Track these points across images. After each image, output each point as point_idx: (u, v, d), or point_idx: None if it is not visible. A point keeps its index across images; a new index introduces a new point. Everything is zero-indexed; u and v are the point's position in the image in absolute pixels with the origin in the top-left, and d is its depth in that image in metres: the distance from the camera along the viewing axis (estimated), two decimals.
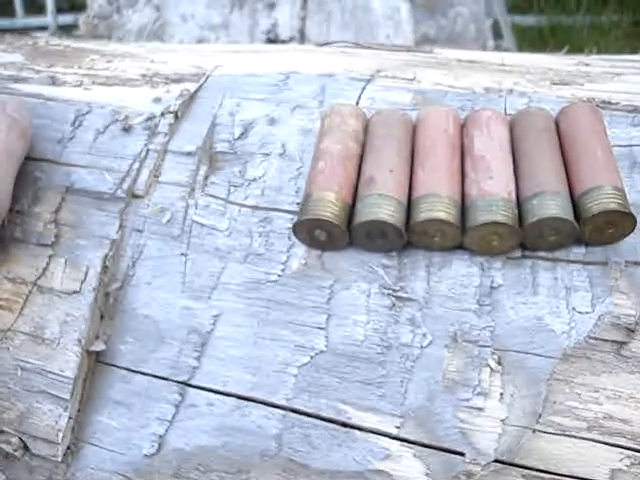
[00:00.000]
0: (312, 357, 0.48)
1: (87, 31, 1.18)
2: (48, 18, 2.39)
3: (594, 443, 0.44)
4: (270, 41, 1.18)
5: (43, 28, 2.40)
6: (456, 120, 0.54)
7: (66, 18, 2.36)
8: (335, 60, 0.66)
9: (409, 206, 0.50)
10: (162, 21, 1.16)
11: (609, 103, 0.58)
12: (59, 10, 2.42)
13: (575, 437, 0.44)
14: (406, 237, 0.49)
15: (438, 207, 0.48)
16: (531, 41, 2.12)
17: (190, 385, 0.49)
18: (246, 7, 1.27)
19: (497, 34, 1.55)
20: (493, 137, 0.52)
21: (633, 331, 0.46)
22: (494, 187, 0.49)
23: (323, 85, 0.61)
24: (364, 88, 0.60)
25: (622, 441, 0.44)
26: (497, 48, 1.45)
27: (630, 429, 0.44)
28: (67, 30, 2.10)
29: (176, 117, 0.59)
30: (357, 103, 0.59)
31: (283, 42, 1.17)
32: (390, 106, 0.58)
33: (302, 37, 1.21)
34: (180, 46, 0.90)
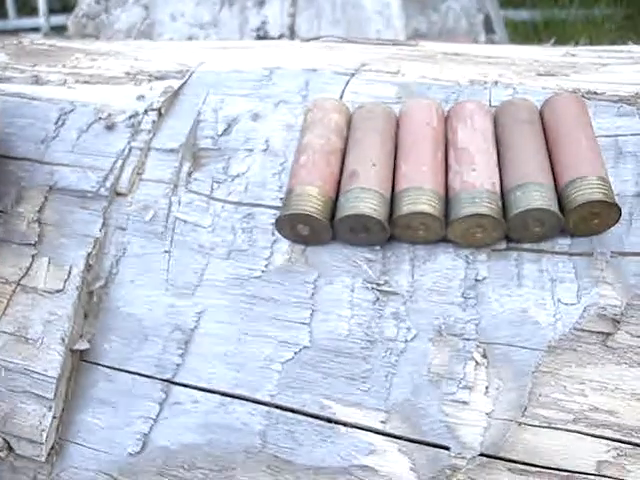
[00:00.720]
0: (296, 353, 0.48)
1: (76, 31, 1.17)
2: (40, 19, 2.39)
3: (580, 435, 0.44)
4: (260, 38, 1.18)
5: (35, 29, 2.40)
6: (439, 113, 0.54)
7: (59, 19, 2.35)
8: (320, 55, 0.65)
9: (393, 200, 0.50)
10: (151, 20, 1.15)
11: (595, 93, 0.58)
12: (51, 11, 2.41)
13: (561, 429, 0.44)
14: (389, 231, 0.49)
15: (421, 200, 0.48)
16: (524, 35, 2.11)
17: (174, 383, 0.49)
18: (236, 5, 1.26)
19: (489, 29, 1.54)
20: (476, 129, 0.52)
21: (619, 322, 0.46)
22: (477, 179, 0.49)
23: (307, 80, 0.60)
24: (348, 82, 0.60)
25: (608, 432, 0.43)
26: (489, 43, 1.44)
27: (616, 420, 0.44)
28: (60, 31, 2.09)
29: (159, 114, 0.59)
30: (341, 97, 0.59)
31: (273, 39, 1.17)
32: (374, 100, 0.58)
33: (292, 34, 1.21)
34: (165, 43, 0.89)
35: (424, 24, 1.44)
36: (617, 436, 0.43)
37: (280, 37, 1.18)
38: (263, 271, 0.51)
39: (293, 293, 0.50)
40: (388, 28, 1.32)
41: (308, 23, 1.24)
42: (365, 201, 0.48)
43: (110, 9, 1.20)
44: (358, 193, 0.49)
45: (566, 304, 0.47)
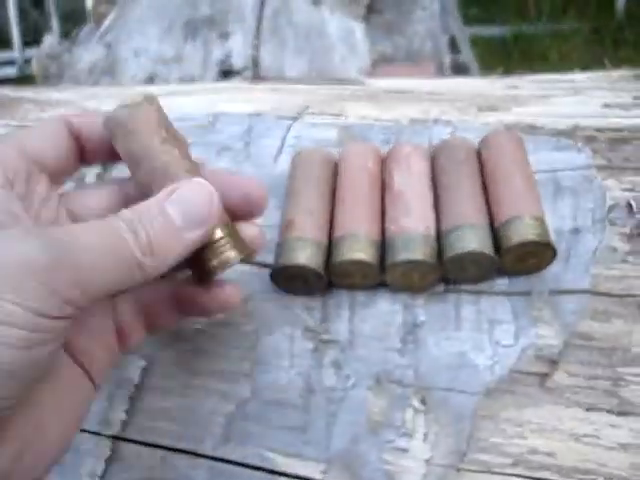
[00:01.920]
0: (238, 405, 0.48)
1: (39, 70, 1.18)
2: (15, 53, 2.40)
3: (520, 479, 0.44)
4: (224, 72, 1.19)
5: (10, 62, 2.41)
6: (377, 156, 0.54)
7: (33, 52, 2.35)
8: (265, 98, 0.66)
9: (330, 247, 0.50)
10: (113, 58, 1.16)
11: (534, 127, 0.59)
12: (26, 44, 2.42)
13: (500, 474, 0.44)
14: (327, 279, 0.49)
15: (356, 247, 0.48)
16: (495, 51, 2.13)
17: (120, 438, 0.49)
18: (199, 38, 1.27)
19: (455, 49, 1.56)
20: (412, 172, 0.52)
21: (556, 362, 0.46)
22: (412, 223, 0.49)
23: (250, 125, 0.61)
24: (290, 127, 0.60)
25: (547, 474, 0.44)
26: (454, 63, 1.46)
27: (555, 462, 0.44)
28: None
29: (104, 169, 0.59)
30: (283, 142, 0.59)
31: (237, 73, 1.18)
32: (316, 143, 0.58)
33: (256, 65, 1.22)
34: (117, 90, 0.90)
35: (390, 48, 1.45)
36: (556, 477, 0.43)
37: (244, 70, 1.18)
38: (205, 324, 0.51)
39: (234, 345, 0.50)
40: (353, 54, 1.33)
41: (272, 54, 1.25)
42: (301, 251, 0.48)
43: (73, 49, 1.21)
44: (294, 243, 0.49)
45: (504, 346, 0.47)
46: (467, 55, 1.51)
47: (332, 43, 1.31)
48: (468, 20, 1.86)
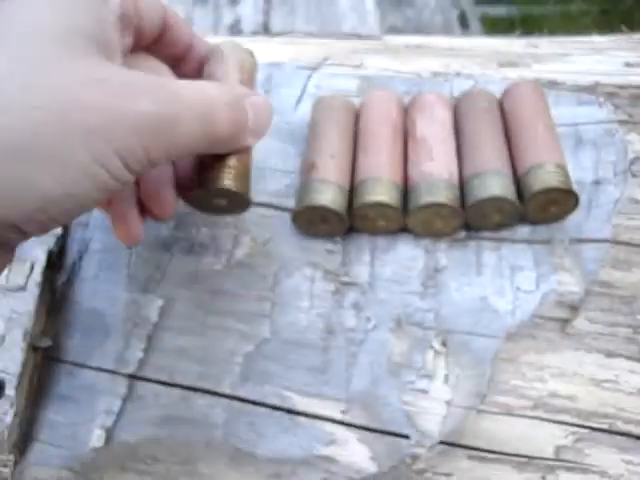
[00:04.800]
0: (257, 345, 0.48)
1: None
2: None
3: (539, 421, 0.44)
4: (233, 35, 1.18)
5: None
6: (399, 104, 0.54)
7: None
8: (283, 50, 0.65)
9: (352, 191, 0.50)
10: None
11: (555, 83, 0.58)
12: None
13: (520, 416, 0.44)
14: (348, 222, 0.49)
15: (379, 190, 0.48)
16: (501, 31, 2.12)
17: (137, 377, 0.49)
18: (210, 2, 1.26)
19: (465, 24, 1.55)
20: (435, 120, 0.52)
21: (577, 308, 0.46)
22: (435, 169, 0.49)
23: (269, 74, 0.60)
24: (310, 76, 0.60)
25: (567, 418, 0.44)
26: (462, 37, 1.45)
27: (574, 405, 0.44)
28: None
29: None
30: (303, 91, 0.59)
31: (246, 37, 1.17)
32: (337, 93, 0.58)
33: (266, 31, 1.21)
34: None
35: (399, 20, 1.44)
36: (575, 420, 0.44)
37: (254, 34, 1.18)
38: (224, 265, 0.51)
39: (254, 286, 0.50)
40: (363, 24, 1.32)
41: (282, 20, 1.24)
42: (323, 193, 0.48)
43: None
44: (316, 185, 0.49)
45: (525, 292, 0.47)
46: (476, 31, 1.51)
47: (343, 12, 1.30)
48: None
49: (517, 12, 2.30)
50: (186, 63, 0.46)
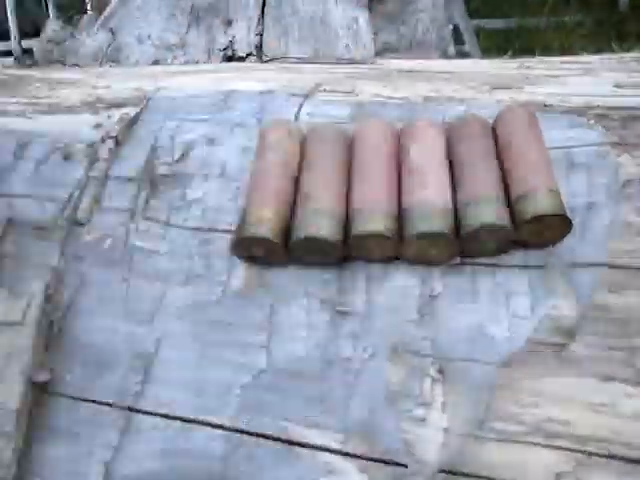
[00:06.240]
0: (254, 376, 0.48)
1: (42, 56, 1.18)
2: (12, 43, 2.39)
3: (537, 447, 0.44)
4: (227, 58, 1.18)
5: (8, 53, 2.40)
6: (392, 132, 0.54)
7: (32, 42, 2.34)
8: (275, 77, 0.66)
9: (347, 220, 0.50)
10: (117, 44, 1.16)
11: (546, 106, 0.59)
12: (25, 34, 2.41)
13: (517, 442, 0.44)
14: (343, 251, 0.49)
15: (374, 220, 0.48)
16: (497, 44, 2.13)
17: (135, 410, 0.49)
18: (203, 25, 1.26)
19: (459, 40, 1.56)
20: (428, 147, 0.52)
21: (572, 333, 0.46)
22: (429, 197, 0.49)
23: (262, 103, 0.61)
24: (302, 104, 0.60)
25: (564, 443, 0.44)
26: (458, 53, 1.45)
27: (570, 431, 0.44)
28: (32, 54, 2.09)
29: (117, 143, 0.59)
30: (296, 118, 0.59)
31: (240, 59, 1.18)
32: (329, 120, 0.58)
33: (260, 52, 1.21)
34: (125, 70, 0.90)
35: (393, 37, 1.44)
36: (573, 446, 0.44)
37: (248, 56, 1.18)
38: (221, 296, 0.51)
39: (250, 316, 0.50)
40: (356, 43, 1.32)
41: (275, 41, 1.24)
42: (318, 223, 0.48)
43: (76, 34, 1.21)
44: (311, 215, 0.49)
45: (520, 317, 0.47)
46: (471, 45, 1.51)
47: (336, 31, 1.31)
48: (470, 13, 1.85)
49: (512, 25, 2.31)
50: None
